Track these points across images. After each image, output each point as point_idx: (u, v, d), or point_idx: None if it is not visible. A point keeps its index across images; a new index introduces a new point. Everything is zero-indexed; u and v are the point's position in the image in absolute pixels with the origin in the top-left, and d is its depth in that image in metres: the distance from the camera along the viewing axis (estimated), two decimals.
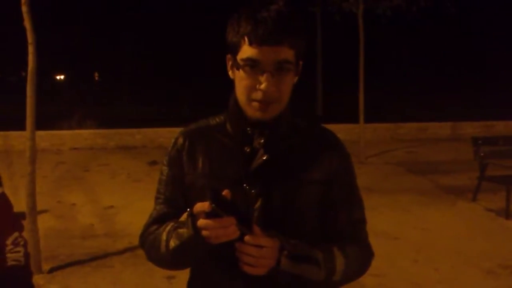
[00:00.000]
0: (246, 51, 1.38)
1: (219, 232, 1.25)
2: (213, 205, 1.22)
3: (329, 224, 1.52)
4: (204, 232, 1.27)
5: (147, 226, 1.57)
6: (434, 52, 30.63)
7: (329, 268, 1.40)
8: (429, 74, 28.29)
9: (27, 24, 4.33)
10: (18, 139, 10.60)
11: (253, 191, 1.46)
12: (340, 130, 13.03)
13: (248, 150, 1.48)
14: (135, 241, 5.45)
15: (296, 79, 1.48)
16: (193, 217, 1.29)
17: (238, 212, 1.27)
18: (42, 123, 12.24)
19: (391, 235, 5.70)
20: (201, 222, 1.26)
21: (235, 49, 1.42)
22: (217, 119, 1.58)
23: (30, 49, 4.39)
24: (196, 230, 1.29)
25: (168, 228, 1.45)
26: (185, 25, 31.83)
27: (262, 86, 1.38)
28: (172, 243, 1.40)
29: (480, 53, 30.48)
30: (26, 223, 4.65)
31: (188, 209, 1.33)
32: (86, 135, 12.37)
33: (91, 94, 30.61)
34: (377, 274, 4.41)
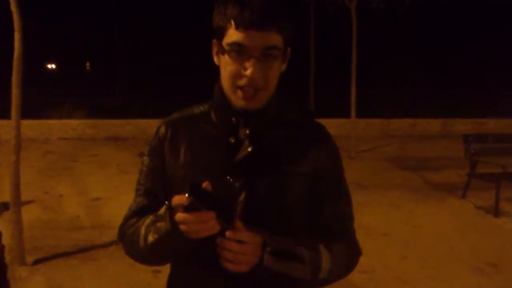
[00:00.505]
0: (232, 35, 1.32)
1: (198, 226, 1.19)
2: (191, 198, 1.15)
3: (315, 219, 1.47)
4: (182, 227, 1.20)
5: (126, 219, 1.50)
6: (427, 48, 30.67)
7: (315, 266, 1.35)
8: (421, 70, 28.32)
9: (13, 8, 4.22)
10: (4, 128, 10.45)
11: (237, 183, 1.40)
12: (331, 125, 13.03)
13: (232, 141, 1.42)
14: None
15: (284, 66, 1.43)
16: (171, 210, 1.22)
17: (219, 205, 1.20)
18: (31, 112, 12.15)
19: (381, 231, 5.68)
20: (179, 216, 1.19)
21: (221, 34, 1.36)
22: (202, 108, 1.52)
23: (16, 35, 4.29)
24: (174, 224, 1.22)
25: (147, 221, 1.38)
26: (181, 15, 31.62)
27: (248, 72, 1.32)
28: (151, 238, 1.33)
29: (473, 49, 30.56)
30: (10, 213, 4.58)
31: (166, 202, 1.26)
32: (75, 125, 12.24)
33: (82, 84, 30.36)
34: (365, 271, 4.39)
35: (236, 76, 1.35)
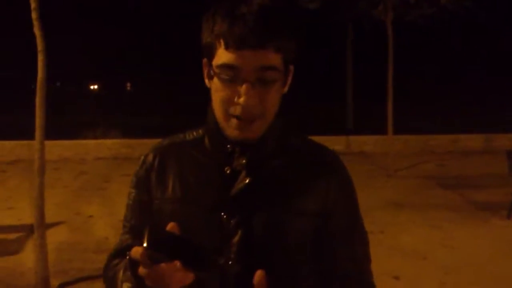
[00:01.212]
0: (222, 56, 1.13)
1: (164, 281, 1.00)
2: (149, 251, 0.97)
3: (326, 263, 1.27)
4: (148, 282, 1.02)
5: (110, 259, 1.34)
6: (464, 61, 29.95)
7: None
8: (460, 84, 27.65)
9: (36, 31, 4.21)
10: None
11: (232, 220, 1.22)
12: (369, 142, 12.79)
13: (228, 172, 1.24)
14: None
15: (285, 89, 1.23)
16: (133, 263, 1.03)
17: (187, 251, 1.01)
18: (69, 132, 12.36)
19: (419, 254, 5.36)
20: (140, 271, 1.01)
21: (210, 53, 1.17)
22: (195, 133, 1.34)
23: (40, 57, 4.26)
24: (138, 280, 1.04)
25: (124, 265, 1.20)
26: None
27: (241, 99, 1.13)
28: (125, 287, 1.17)
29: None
30: (34, 237, 4.51)
31: (128, 254, 1.06)
32: (110, 145, 12.32)
33: (122, 103, 30.91)
34: None
35: (229, 103, 1.16)
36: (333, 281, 1.26)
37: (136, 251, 1.00)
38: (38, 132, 4.35)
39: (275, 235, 1.22)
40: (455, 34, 24.42)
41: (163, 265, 0.98)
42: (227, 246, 1.21)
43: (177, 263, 0.98)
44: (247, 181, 1.22)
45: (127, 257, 1.07)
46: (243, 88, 1.12)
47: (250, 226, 1.21)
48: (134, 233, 1.33)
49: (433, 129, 13.84)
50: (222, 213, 1.22)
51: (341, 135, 13.09)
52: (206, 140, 1.29)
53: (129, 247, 1.28)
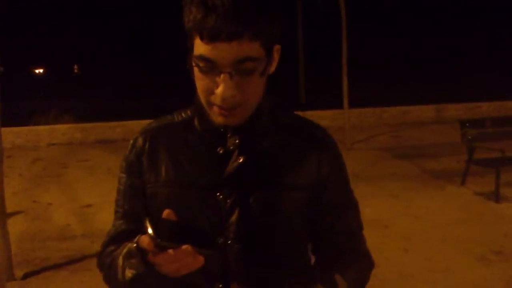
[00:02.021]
0: (199, 47, 1.10)
1: (175, 266, 1.01)
2: (156, 241, 0.98)
3: (323, 237, 1.30)
4: (160, 269, 1.03)
5: (105, 246, 1.33)
6: (416, 36, 30.57)
7: None
8: (410, 58, 28.25)
9: None
10: None
11: (228, 200, 1.22)
12: (325, 116, 12.93)
13: (221, 152, 1.23)
14: None
15: (271, 69, 1.21)
16: (142, 251, 1.04)
17: (194, 234, 1.03)
18: (19, 119, 11.91)
19: (381, 224, 5.54)
20: (151, 259, 1.02)
21: (190, 41, 1.14)
22: (183, 115, 1.32)
23: None
24: (149, 266, 1.05)
25: (124, 251, 1.19)
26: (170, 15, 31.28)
27: (219, 90, 1.11)
28: (129, 273, 1.15)
29: (463, 35, 30.52)
30: None
31: (135, 242, 1.08)
32: (64, 130, 12.03)
33: (70, 87, 30.05)
34: None
35: (209, 92, 1.14)
36: (331, 255, 1.29)
37: (143, 241, 1.01)
38: None
39: (271, 211, 1.23)
40: (408, 7, 24.90)
41: (171, 251, 0.99)
42: (225, 226, 1.22)
43: (188, 247, 0.99)
44: (240, 160, 1.22)
45: (134, 245, 1.08)
46: (220, 79, 1.10)
47: (246, 204, 1.22)
48: (127, 217, 1.32)
49: (387, 101, 14.12)
50: (218, 193, 1.22)
51: (296, 111, 13.20)
52: (196, 122, 1.28)
53: (124, 232, 1.30)
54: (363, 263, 1.34)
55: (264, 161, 1.25)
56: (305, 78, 20.64)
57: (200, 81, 1.15)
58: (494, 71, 22.35)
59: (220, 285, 1.22)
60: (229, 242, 1.22)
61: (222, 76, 1.10)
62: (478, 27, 29.72)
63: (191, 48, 1.14)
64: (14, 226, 5.49)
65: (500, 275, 4.32)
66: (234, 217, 1.22)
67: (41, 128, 12.16)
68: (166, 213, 1.03)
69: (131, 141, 1.34)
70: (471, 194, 6.64)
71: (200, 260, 1.02)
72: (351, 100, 10.33)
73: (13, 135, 11.19)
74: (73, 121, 12.93)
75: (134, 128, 12.14)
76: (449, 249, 4.88)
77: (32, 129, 11.99)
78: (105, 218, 5.98)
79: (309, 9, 18.28)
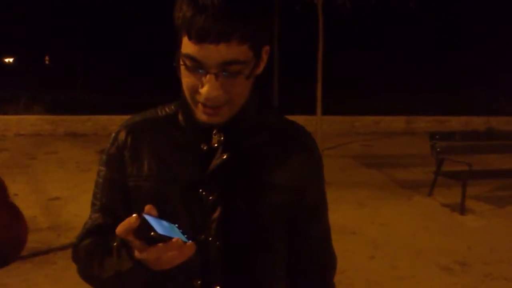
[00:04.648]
0: (186, 45, 1.09)
1: (172, 256, 1.02)
2: (153, 233, 0.99)
3: (300, 242, 1.34)
4: (150, 262, 1.04)
5: (80, 239, 1.31)
6: (391, 46, 30.99)
7: None
8: (386, 68, 28.62)
9: None
10: None
11: (210, 197, 1.22)
12: (298, 121, 12.97)
13: (204, 148, 1.23)
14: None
15: (259, 70, 1.20)
16: (128, 247, 1.05)
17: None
18: None
19: (348, 230, 5.60)
20: (150, 253, 1.02)
21: (178, 37, 1.13)
22: (167, 109, 1.31)
23: None
24: (137, 261, 1.05)
25: (101, 248, 1.19)
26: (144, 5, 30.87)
27: (204, 90, 1.11)
28: (105, 274, 1.15)
29: (436, 48, 31.10)
30: None
31: (117, 239, 1.08)
32: (32, 121, 11.81)
33: (40, 78, 29.47)
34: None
35: (194, 90, 1.14)
36: (306, 264, 1.35)
37: (125, 231, 1.01)
38: None
39: (252, 210, 1.24)
40: (384, 19, 25.23)
41: (161, 245, 1.00)
42: (206, 223, 1.22)
43: (178, 240, 1.00)
44: (224, 157, 1.22)
45: (115, 243, 1.09)
46: (206, 79, 1.10)
47: (228, 202, 1.22)
48: (105, 211, 1.30)
49: (359, 110, 14.28)
50: (200, 190, 1.22)
51: None
52: (180, 117, 1.27)
53: (101, 226, 1.29)
54: (332, 268, 1.42)
55: (248, 159, 1.25)
56: (279, 81, 20.71)
57: (186, 79, 1.14)
58: (464, 86, 22.83)
59: (199, 282, 1.23)
60: (210, 239, 1.22)
61: (207, 76, 1.09)
62: (454, 37, 30.31)
63: (179, 44, 1.13)
64: None
65: (464, 285, 4.42)
66: (215, 215, 1.22)
67: (9, 117, 11.91)
68: (147, 208, 1.03)
69: (113, 134, 1.33)
70: (437, 205, 6.76)
71: (192, 249, 1.02)
72: (324, 106, 10.42)
73: None
74: (43, 113, 12.69)
75: (104, 122, 12.02)
76: (414, 258, 4.97)
77: (4, 118, 11.74)
78: (72, 211, 5.93)
79: (287, 13, 18.36)
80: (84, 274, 1.28)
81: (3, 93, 17.55)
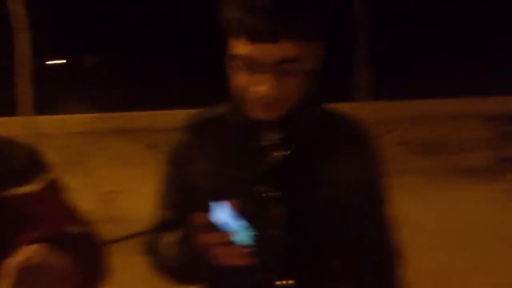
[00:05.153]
0: (237, 45, 1.09)
1: (220, 251, 1.03)
2: (211, 217, 1.01)
3: (361, 229, 1.32)
4: (204, 250, 1.06)
5: (149, 234, 1.40)
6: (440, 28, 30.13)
7: None
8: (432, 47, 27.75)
9: (17, 8, 3.99)
10: (12, 125, 10.39)
11: (267, 194, 1.22)
12: (347, 109, 12.72)
13: (262, 146, 1.24)
14: (135, 228, 5.27)
15: (316, 65, 1.18)
16: (193, 231, 1.08)
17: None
18: (42, 108, 12.08)
19: (408, 219, 5.42)
20: (200, 237, 1.05)
21: (228, 37, 1.13)
22: (223, 109, 1.32)
23: (23, 37, 4.06)
24: (198, 247, 1.08)
25: (172, 240, 1.24)
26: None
27: (258, 88, 1.10)
28: (176, 261, 1.20)
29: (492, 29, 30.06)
30: None
31: (186, 224, 1.13)
32: (84, 119, 12.22)
33: (88, 76, 30.36)
34: None
35: (246, 89, 1.13)
36: (369, 252, 1.33)
37: (198, 218, 1.04)
38: (24, 108, 4.22)
39: (313, 205, 1.23)
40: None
41: (222, 232, 1.01)
42: (265, 220, 1.21)
43: (229, 235, 1.01)
44: (282, 154, 1.22)
45: (185, 229, 1.14)
46: (260, 78, 1.09)
47: (288, 200, 1.22)
48: (170, 208, 1.36)
49: (411, 94, 13.93)
50: (258, 187, 1.22)
51: None
52: (234, 116, 1.28)
53: (168, 222, 1.34)
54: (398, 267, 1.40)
55: (306, 156, 1.24)
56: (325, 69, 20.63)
57: (239, 79, 1.14)
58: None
59: (262, 277, 1.23)
60: (268, 236, 1.22)
61: (262, 75, 1.09)
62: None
63: (229, 45, 1.13)
64: None
65: None
66: (273, 212, 1.21)
67: (61, 116, 12.35)
68: (232, 202, 1.05)
69: (174, 136, 1.37)
70: (501, 191, 6.45)
71: (247, 260, 1.02)
72: (374, 92, 10.28)
73: (39, 123, 11.34)
74: (93, 111, 13.09)
75: (150, 118, 12.28)
76: (484, 247, 4.78)
77: (55, 118, 12.18)
78: (126, 205, 6.15)
79: None
80: (157, 266, 1.35)
81: (54, 93, 18.15)
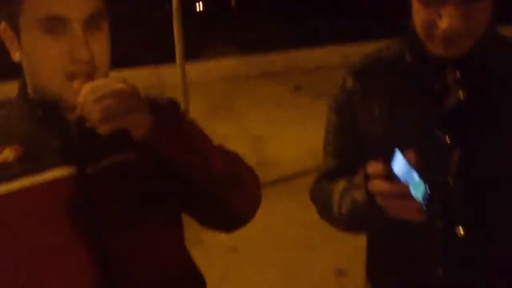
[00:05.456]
0: None
1: (396, 203, 1.01)
2: (387, 167, 0.99)
3: None
4: (379, 200, 1.04)
5: (317, 181, 1.41)
6: None
7: None
8: None
9: None
10: (167, 71, 10.98)
11: (448, 138, 1.18)
12: None
13: (438, 87, 1.19)
14: (287, 172, 5.47)
15: None
16: (367, 178, 1.07)
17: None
18: (187, 55, 12.64)
19: None
20: (372, 184, 1.04)
21: None
22: (392, 49, 1.29)
23: None
24: (369, 195, 1.07)
25: (340, 188, 1.26)
26: None
27: (444, 23, 1.05)
28: (344, 208, 1.21)
29: None
30: None
31: (358, 172, 1.13)
32: (229, 63, 12.49)
33: (229, 20, 30.82)
34: None
35: (430, 26, 1.10)
36: None
37: (374, 167, 1.03)
38: (178, 57, 4.51)
39: (493, 149, 1.17)
40: None
41: (383, 181, 1.00)
42: (445, 164, 1.18)
43: (405, 187, 0.99)
44: (461, 96, 1.17)
45: (362, 172, 1.10)
46: (445, 10, 1.04)
47: (467, 143, 1.17)
48: (338, 155, 1.37)
49: None
50: (437, 131, 1.19)
51: None
52: (407, 55, 1.23)
53: (336, 169, 1.36)
54: None
55: (486, 96, 1.18)
56: None
57: (420, 14, 1.10)
58: None
59: (440, 224, 1.22)
60: (449, 180, 1.19)
61: (447, 7, 1.04)
62: None
63: None
64: None
65: None
66: (454, 156, 1.17)
67: (208, 63, 12.75)
68: (409, 154, 1.02)
69: (340, 81, 1.35)
70: None
71: (419, 217, 1.01)
72: None
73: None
74: (237, 54, 13.32)
75: (294, 59, 12.21)
76: None
77: (202, 64, 12.65)
78: (277, 149, 6.31)
79: None
80: (323, 213, 1.38)
81: (199, 39, 18.78)
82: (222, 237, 4.10)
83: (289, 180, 5.21)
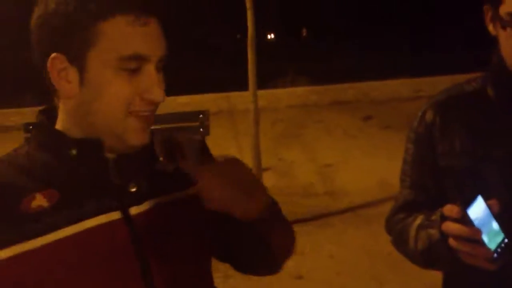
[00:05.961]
0: (509, 2, 1.04)
1: (466, 248, 0.99)
2: (463, 211, 0.96)
3: None
4: (451, 242, 1.03)
5: (394, 212, 1.38)
6: None
7: None
8: None
9: None
10: (238, 98, 11.24)
11: None
12: None
13: None
14: (355, 201, 5.41)
15: None
16: (442, 218, 1.06)
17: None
18: (257, 82, 12.86)
19: None
20: (445, 225, 1.03)
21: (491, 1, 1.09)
22: (474, 84, 1.28)
23: (249, 15, 4.47)
24: (443, 235, 1.06)
25: (417, 222, 1.23)
26: None
27: None
28: (420, 244, 1.19)
29: None
30: None
31: (435, 210, 1.11)
32: (300, 92, 12.62)
33: (301, 50, 31.12)
34: None
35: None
36: None
37: (450, 209, 1.02)
38: (251, 84, 4.63)
39: None
40: None
41: (454, 224, 0.99)
42: None
43: (477, 232, 0.97)
44: None
45: (433, 215, 1.11)
46: None
47: None
48: (415, 187, 1.34)
49: None
50: None
51: None
52: (489, 90, 1.22)
53: (413, 202, 1.33)
54: None
55: None
56: None
57: (511, 41, 1.08)
58: None
59: (504, 275, 1.14)
60: None
61: None
62: None
63: (495, 5, 1.09)
64: (265, 181, 6.02)
65: None
66: None
67: (279, 91, 12.93)
68: (492, 202, 1.01)
69: (419, 113, 1.34)
70: None
71: (490, 265, 0.99)
72: None
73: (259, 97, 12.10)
74: (308, 84, 13.44)
75: (365, 89, 12.19)
76: None
77: (271, 92, 12.83)
78: (345, 178, 6.24)
79: None
80: (398, 245, 1.35)
81: (271, 68, 19.07)
82: (289, 265, 4.10)
83: (357, 209, 5.16)
